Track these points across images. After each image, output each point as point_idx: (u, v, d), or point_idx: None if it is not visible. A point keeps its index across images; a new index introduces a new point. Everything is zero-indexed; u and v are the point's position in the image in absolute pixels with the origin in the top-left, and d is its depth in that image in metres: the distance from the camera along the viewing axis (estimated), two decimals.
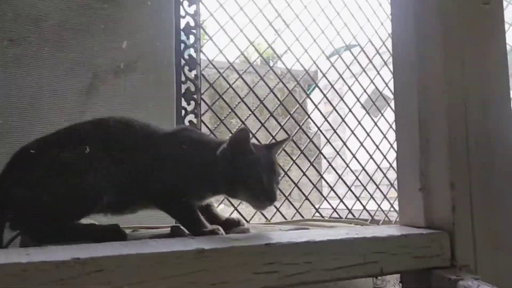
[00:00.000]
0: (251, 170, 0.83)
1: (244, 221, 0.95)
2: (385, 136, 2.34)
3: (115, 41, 1.57)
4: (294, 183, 2.00)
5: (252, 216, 1.69)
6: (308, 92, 2.82)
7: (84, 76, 1.53)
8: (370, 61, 2.30)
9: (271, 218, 1.75)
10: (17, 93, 1.42)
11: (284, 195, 1.95)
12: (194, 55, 1.79)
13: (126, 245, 0.58)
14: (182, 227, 0.84)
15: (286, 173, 1.86)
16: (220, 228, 0.82)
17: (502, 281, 0.78)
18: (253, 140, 1.70)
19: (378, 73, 2.32)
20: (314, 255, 0.65)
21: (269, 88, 1.97)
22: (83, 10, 1.55)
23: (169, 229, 0.86)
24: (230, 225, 0.90)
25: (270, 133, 1.94)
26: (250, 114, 1.92)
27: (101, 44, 1.55)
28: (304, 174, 2.04)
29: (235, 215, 0.92)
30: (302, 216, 1.90)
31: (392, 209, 2.27)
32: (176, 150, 0.85)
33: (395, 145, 0.95)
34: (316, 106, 2.16)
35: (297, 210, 1.97)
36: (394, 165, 2.31)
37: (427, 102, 0.84)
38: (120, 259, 0.52)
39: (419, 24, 0.87)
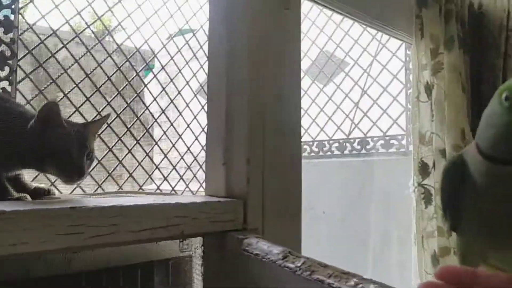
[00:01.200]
0: (60, 144, 0.84)
1: (56, 191, 0.95)
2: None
3: None
4: (119, 160, 2.00)
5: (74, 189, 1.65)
6: (145, 74, 2.81)
7: None
8: (201, 47, 2.42)
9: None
10: None
11: (107, 171, 1.94)
12: (11, 17, 1.64)
13: None
14: None
15: (110, 150, 1.86)
16: (28, 196, 0.82)
17: (284, 243, 0.96)
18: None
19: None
20: (120, 218, 0.71)
21: (97, 62, 1.92)
22: None
23: None
24: (39, 194, 0.90)
25: (96, 110, 1.90)
26: (74, 87, 1.84)
27: None
28: (130, 151, 2.05)
29: (46, 186, 0.91)
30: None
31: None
32: None
33: None
34: (145, 85, 2.18)
35: (120, 187, 1.98)
36: None
37: (233, 93, 0.97)
38: None
39: (229, 25, 0.99)
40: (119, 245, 0.72)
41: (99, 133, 1.25)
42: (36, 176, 1.03)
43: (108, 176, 1.94)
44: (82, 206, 0.67)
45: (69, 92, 1.83)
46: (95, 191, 1.68)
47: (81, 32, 1.96)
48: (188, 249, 1.07)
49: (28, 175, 0.94)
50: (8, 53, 1.64)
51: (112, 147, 1.94)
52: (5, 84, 1.64)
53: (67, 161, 0.84)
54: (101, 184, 1.89)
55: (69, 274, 0.88)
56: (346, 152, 2.47)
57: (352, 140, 2.44)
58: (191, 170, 2.39)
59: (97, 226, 0.68)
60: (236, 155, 0.95)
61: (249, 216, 0.92)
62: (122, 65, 2.05)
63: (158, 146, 2.23)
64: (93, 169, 1.54)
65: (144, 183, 2.30)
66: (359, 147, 2.39)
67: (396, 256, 1.93)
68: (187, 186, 2.37)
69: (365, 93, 2.40)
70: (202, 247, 0.95)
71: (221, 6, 1.01)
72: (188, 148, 2.35)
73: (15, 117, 0.85)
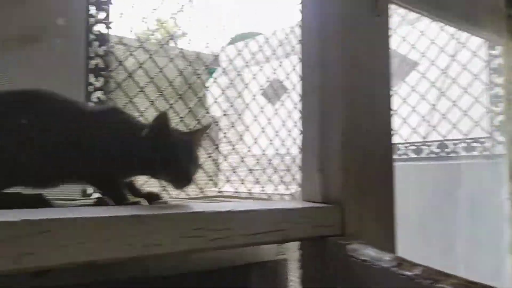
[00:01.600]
0: (170, 152, 0.90)
1: (164, 196, 1.02)
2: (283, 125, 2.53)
3: (23, 8, 1.49)
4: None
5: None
6: (208, 77, 2.91)
7: None
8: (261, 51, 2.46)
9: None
10: None
11: None
12: (104, 31, 1.77)
13: (70, 210, 0.62)
14: (106, 199, 0.88)
15: None
16: (144, 201, 0.89)
17: (381, 247, 0.96)
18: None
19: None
20: (234, 222, 0.76)
21: (158, 67, 2.01)
22: None
23: (93, 201, 0.89)
24: (151, 198, 0.96)
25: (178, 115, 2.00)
26: (160, 95, 1.95)
27: (8, 11, 1.47)
28: (210, 156, 2.13)
29: (156, 190, 0.97)
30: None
31: (287, 191, 2.48)
32: (105, 129, 0.89)
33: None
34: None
35: (201, 191, 2.06)
36: (291, 150, 2.54)
37: (326, 97, 0.99)
38: (66, 222, 0.57)
39: (322, 29, 1.01)
40: (233, 247, 0.77)
41: None
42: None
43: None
44: (202, 210, 0.72)
45: (134, 96, 1.93)
46: (197, 195, 1.77)
47: (147, 39, 2.07)
48: (284, 253, 1.10)
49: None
50: (101, 64, 1.78)
51: None
52: (100, 93, 1.78)
53: (176, 169, 0.89)
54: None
55: (182, 274, 0.94)
56: (422, 155, 2.40)
57: (429, 143, 2.37)
58: (267, 174, 2.44)
59: (215, 230, 0.73)
60: (331, 161, 0.96)
61: (347, 222, 0.94)
62: (185, 69, 2.13)
63: (218, 149, 2.30)
64: None
65: (220, 188, 2.38)
66: (438, 150, 2.32)
67: (488, 265, 1.85)
68: (275, 188, 2.41)
69: (443, 94, 2.33)
70: (300, 251, 0.97)
71: (314, 16, 1.03)
72: (264, 152, 2.40)
73: (131, 127, 0.92)
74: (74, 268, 0.60)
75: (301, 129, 1.05)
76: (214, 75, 2.44)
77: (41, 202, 0.81)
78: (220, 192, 2.23)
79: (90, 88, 1.71)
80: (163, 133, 0.89)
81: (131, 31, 1.90)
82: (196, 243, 0.70)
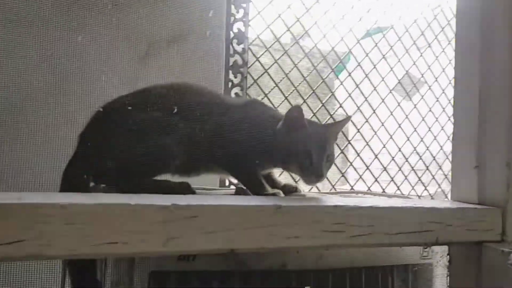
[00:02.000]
0: (302, 146, 0.88)
1: (301, 188, 1.01)
2: (423, 119, 2.35)
3: (169, 10, 1.62)
4: None
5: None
6: (340, 72, 2.83)
7: (138, 44, 1.59)
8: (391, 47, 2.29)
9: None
10: (78, 59, 1.49)
11: None
12: (242, 29, 1.83)
13: (215, 198, 0.64)
14: (245, 188, 0.90)
15: None
16: (281, 192, 0.88)
17: None
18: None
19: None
20: (377, 219, 0.70)
21: (293, 62, 1.99)
22: None
23: (233, 191, 0.92)
24: (289, 190, 0.96)
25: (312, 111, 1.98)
26: (293, 90, 1.95)
27: (155, 13, 1.61)
28: (342, 151, 2.07)
29: (293, 183, 0.97)
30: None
31: (426, 192, 2.29)
32: (245, 121, 0.91)
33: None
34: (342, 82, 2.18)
35: (333, 186, 2.02)
36: (432, 148, 2.35)
37: (488, 84, 0.87)
38: (212, 208, 0.59)
39: (486, 10, 0.88)
40: (374, 246, 0.72)
41: None
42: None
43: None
44: (343, 204, 0.68)
45: (269, 92, 1.94)
46: (330, 190, 1.75)
47: (280, 37, 2.06)
48: (429, 257, 1.01)
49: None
50: (240, 61, 1.84)
51: None
52: (237, 89, 1.85)
53: (307, 163, 0.87)
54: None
55: (318, 270, 0.91)
56: None
57: None
58: (403, 173, 2.29)
59: (356, 225, 0.69)
60: (492, 157, 0.84)
61: (509, 226, 0.81)
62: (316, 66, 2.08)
63: (352, 145, 2.20)
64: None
65: (336, 183, 2.28)
66: None
67: None
68: (412, 188, 2.26)
69: None
70: (448, 256, 0.88)
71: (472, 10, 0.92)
72: (399, 149, 2.26)
73: (267, 120, 0.93)
74: (215, 256, 0.60)
75: (453, 122, 0.94)
76: (348, 68, 2.37)
77: (188, 190, 0.86)
78: (352, 190, 2.16)
79: (229, 84, 1.79)
80: (296, 126, 0.88)
81: (268, 28, 1.92)
82: (336, 239, 0.66)
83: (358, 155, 2.19)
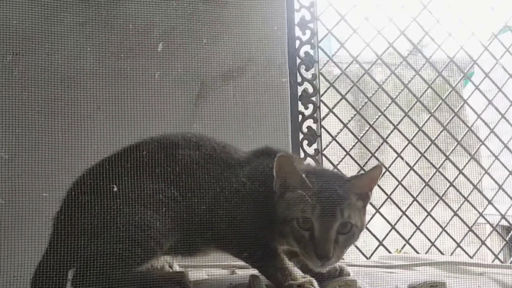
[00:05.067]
0: (298, 212, 0.62)
1: (349, 270, 0.71)
2: None
3: (222, 44, 1.45)
4: (449, 181, 1.63)
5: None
6: (464, 83, 2.37)
7: (192, 84, 1.44)
8: None
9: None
10: (127, 105, 1.39)
11: (438, 195, 1.62)
12: (311, 52, 1.58)
13: None
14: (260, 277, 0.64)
15: (438, 170, 1.61)
16: (314, 282, 0.61)
17: None
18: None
19: None
20: None
21: (423, 79, 1.65)
22: (190, 15, 1.46)
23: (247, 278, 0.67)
24: (330, 274, 0.67)
25: (425, 133, 1.63)
26: (379, 115, 1.63)
27: (208, 50, 1.45)
28: (461, 172, 1.64)
29: (340, 263, 0.67)
30: (462, 220, 1.63)
31: None
32: (251, 181, 0.67)
33: None
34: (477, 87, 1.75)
35: (455, 213, 1.62)
36: None
37: None
38: None
39: None
40: None
41: None
42: None
43: (439, 201, 1.60)
44: None
45: (374, 122, 1.62)
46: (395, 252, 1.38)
47: (383, 53, 1.73)
48: None
49: None
50: (310, 90, 1.59)
51: (440, 166, 1.60)
52: (310, 122, 1.59)
53: (307, 237, 0.61)
54: (431, 210, 1.57)
55: None
56: None
57: None
58: None
59: None
60: None
61: None
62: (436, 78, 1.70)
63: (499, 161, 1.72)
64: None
65: (483, 210, 1.79)
66: None
67: None
68: None
69: None
70: None
71: None
72: None
73: (264, 179, 0.68)
74: None
75: None
76: (473, 79, 1.92)
77: (181, 283, 0.64)
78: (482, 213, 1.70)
79: (299, 117, 1.54)
80: (291, 182, 0.64)
81: (367, 45, 1.62)
82: None
83: (486, 172, 1.73)
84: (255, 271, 0.67)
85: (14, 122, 1.08)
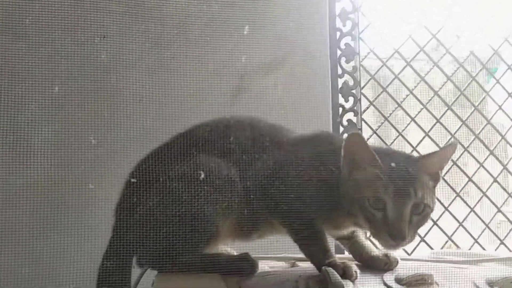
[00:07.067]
0: (370, 191, 0.60)
1: (395, 258, 0.68)
2: None
3: (262, 36, 1.42)
4: (468, 176, 1.58)
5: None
6: (488, 79, 2.30)
7: (230, 77, 1.42)
8: None
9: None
10: (164, 98, 1.37)
11: (455, 191, 1.56)
12: (351, 43, 1.54)
13: None
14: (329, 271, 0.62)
15: (455, 163, 1.54)
16: (353, 265, 0.59)
17: None
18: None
19: None
20: None
21: (467, 72, 1.60)
22: (228, 7, 1.44)
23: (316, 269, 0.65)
24: (377, 265, 0.66)
25: (447, 130, 1.58)
26: (422, 109, 1.58)
27: (247, 41, 1.42)
28: (481, 165, 1.59)
29: (395, 254, 0.65)
30: (480, 218, 1.57)
31: None
32: (305, 162, 0.66)
33: None
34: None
35: (471, 209, 1.56)
36: None
37: None
38: None
39: None
40: None
41: None
42: None
43: (456, 196, 1.55)
44: None
45: (416, 115, 1.57)
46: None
47: (425, 45, 1.67)
48: None
49: None
50: (351, 82, 1.55)
51: (457, 160, 1.55)
52: (350, 115, 1.55)
53: (379, 218, 0.59)
54: (448, 206, 1.52)
55: None
56: None
57: None
58: None
59: None
60: None
61: None
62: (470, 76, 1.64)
63: None
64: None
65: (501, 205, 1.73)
66: None
67: None
68: None
69: None
70: None
71: None
72: None
73: (331, 156, 0.67)
74: None
75: None
76: (496, 75, 1.87)
77: (247, 262, 0.67)
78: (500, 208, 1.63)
79: (339, 110, 1.50)
80: (361, 162, 0.62)
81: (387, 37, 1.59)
82: None
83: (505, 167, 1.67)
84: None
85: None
